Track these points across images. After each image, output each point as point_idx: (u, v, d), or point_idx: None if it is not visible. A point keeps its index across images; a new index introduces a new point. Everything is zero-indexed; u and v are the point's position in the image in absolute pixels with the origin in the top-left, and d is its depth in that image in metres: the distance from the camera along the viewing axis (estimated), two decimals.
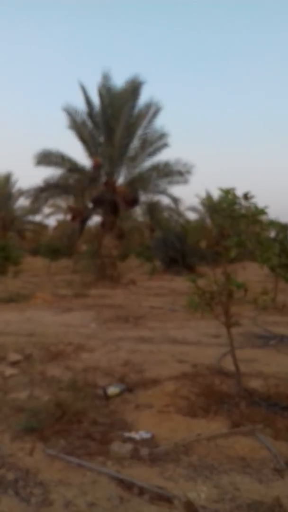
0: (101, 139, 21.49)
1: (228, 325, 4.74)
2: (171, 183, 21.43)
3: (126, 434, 3.83)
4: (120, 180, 21.83)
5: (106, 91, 21.01)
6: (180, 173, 20.96)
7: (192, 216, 35.83)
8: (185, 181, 21.16)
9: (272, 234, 12.10)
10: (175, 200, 22.32)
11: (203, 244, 4.99)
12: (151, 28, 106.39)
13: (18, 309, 11.88)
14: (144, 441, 3.71)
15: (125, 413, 4.34)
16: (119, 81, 29.39)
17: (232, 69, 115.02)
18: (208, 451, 3.54)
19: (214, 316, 4.77)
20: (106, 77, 21.07)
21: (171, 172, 21.06)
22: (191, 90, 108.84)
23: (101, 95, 20.84)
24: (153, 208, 23.38)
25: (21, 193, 34.20)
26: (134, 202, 21.46)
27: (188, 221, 28.38)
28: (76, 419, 4.06)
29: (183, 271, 23.77)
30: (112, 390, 4.88)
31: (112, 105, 20.74)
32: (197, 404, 4.49)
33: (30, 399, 4.64)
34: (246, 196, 4.59)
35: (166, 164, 21.05)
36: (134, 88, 20.71)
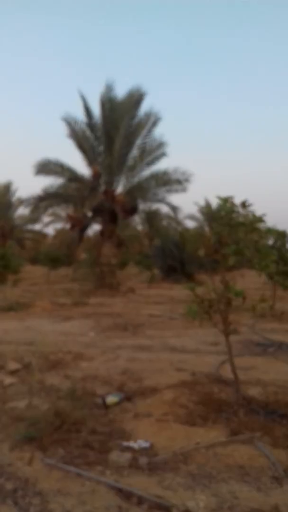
0: (101, 148, 21.60)
1: (227, 333, 4.74)
2: (169, 191, 21.55)
3: (125, 443, 3.82)
4: (119, 189, 21.93)
5: (107, 101, 21.15)
6: (178, 182, 21.06)
7: (190, 224, 35.96)
8: (184, 190, 21.29)
9: (270, 241, 12.16)
10: (174, 208, 22.41)
11: (201, 252, 5.02)
12: (151, 36, 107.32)
13: (17, 317, 11.87)
14: (142, 450, 3.71)
15: (123, 422, 4.34)
16: (118, 89, 29.57)
17: (230, 77, 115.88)
18: (207, 460, 3.54)
19: (212, 324, 4.78)
20: (109, 88, 21.24)
21: (169, 181, 21.16)
22: (189, 97, 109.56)
23: (103, 105, 20.97)
24: (152, 217, 23.43)
25: (20, 202, 34.09)
26: (133, 210, 21.52)
27: (186, 229, 28.46)
28: (75, 428, 4.06)
29: (182, 279, 23.74)
30: (111, 399, 4.88)
31: (113, 115, 20.85)
32: (195, 413, 4.48)
33: (29, 408, 4.63)
34: (244, 204, 4.61)
35: (165, 173, 21.16)
36: (136, 99, 20.87)
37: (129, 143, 21.04)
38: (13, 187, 38.04)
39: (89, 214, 21.94)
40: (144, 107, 22.04)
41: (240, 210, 4.62)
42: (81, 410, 4.45)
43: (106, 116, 20.96)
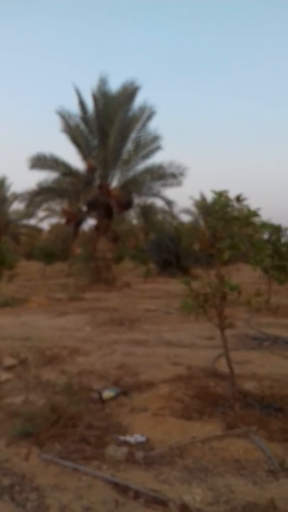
0: (95, 142, 21.52)
1: (222, 327, 4.76)
2: (164, 185, 21.53)
3: (121, 438, 3.83)
4: (114, 183, 21.88)
5: (101, 95, 21.05)
6: (173, 176, 21.04)
7: (185, 218, 35.97)
8: (179, 183, 21.28)
9: (265, 235, 12.18)
10: (169, 202, 22.40)
11: (196, 246, 5.02)
12: (144, 31, 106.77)
13: (13, 313, 11.86)
14: (139, 445, 3.72)
15: (120, 417, 4.35)
16: (112, 84, 29.49)
17: (224, 71, 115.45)
18: (203, 454, 3.56)
19: (208, 318, 4.79)
20: (103, 81, 21.15)
21: (164, 175, 21.13)
22: (183, 91, 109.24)
23: (95, 99, 20.88)
24: (147, 211, 23.42)
25: (15, 197, 34.07)
26: (128, 205, 21.49)
27: (182, 224, 28.45)
28: (71, 423, 4.06)
29: (178, 274, 23.79)
30: (107, 393, 4.89)
31: (107, 109, 20.77)
32: (191, 407, 4.50)
33: (25, 404, 4.63)
34: (238, 199, 4.62)
35: (160, 167, 21.13)
36: (130, 92, 20.78)
37: (123, 137, 20.97)
38: (8, 181, 37.94)
39: (84, 208, 21.88)
40: (138, 101, 22.04)
41: (235, 204, 4.62)
42: (77, 405, 4.45)
43: (99, 110, 20.87)
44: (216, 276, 4.70)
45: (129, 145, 21.52)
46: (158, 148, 21.39)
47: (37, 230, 41.76)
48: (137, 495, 2.93)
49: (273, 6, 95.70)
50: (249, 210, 4.56)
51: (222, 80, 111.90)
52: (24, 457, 3.49)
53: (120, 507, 2.82)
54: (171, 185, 21.40)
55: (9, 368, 6.11)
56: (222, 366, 5.51)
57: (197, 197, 35.45)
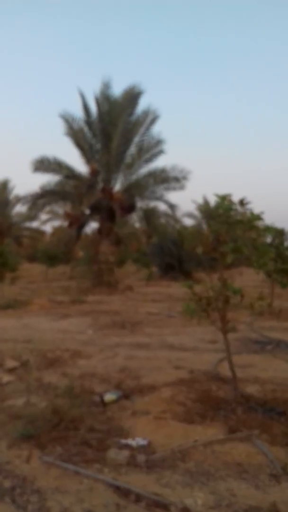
0: (98, 146, 21.56)
1: (225, 331, 4.74)
2: (167, 189, 21.54)
3: (123, 441, 3.82)
4: (117, 186, 21.91)
5: (104, 98, 21.10)
6: (176, 179, 21.04)
7: (188, 222, 36.02)
8: (182, 187, 21.28)
9: (268, 239, 12.16)
10: (172, 206, 22.42)
11: (199, 250, 5.02)
12: (145, 31, 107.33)
13: (15, 315, 11.87)
14: (140, 448, 3.71)
15: (121, 420, 4.34)
16: (116, 87, 29.60)
17: (228, 75, 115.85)
18: (205, 457, 3.54)
19: (210, 322, 4.78)
20: (106, 85, 21.19)
21: (167, 178, 21.14)
22: (187, 95, 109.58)
23: (99, 103, 20.93)
24: (149, 214, 23.44)
25: (18, 199, 34.03)
26: (130, 208, 21.51)
27: (184, 227, 28.48)
28: (72, 426, 4.05)
29: (180, 277, 23.79)
30: (109, 396, 4.88)
31: (110, 113, 20.81)
32: (193, 410, 4.48)
33: (27, 406, 4.62)
34: (242, 202, 4.61)
35: (163, 171, 21.14)
36: (133, 96, 20.82)
37: (127, 140, 21.01)
38: (11, 184, 37.99)
39: (87, 211, 21.91)
40: (142, 105, 22.00)
41: (238, 208, 4.62)
42: (79, 408, 4.44)
43: (102, 113, 20.90)
44: (219, 279, 4.69)
45: (132, 149, 21.56)
46: (161, 152, 21.43)
47: (39, 232, 41.83)
48: (138, 498, 2.91)
49: (273, 6, 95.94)
50: (252, 213, 4.56)
51: (226, 83, 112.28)
52: (25, 459, 3.48)
53: (122, 510, 2.80)
54: (174, 188, 21.42)
55: (11, 370, 6.11)
56: (225, 370, 5.49)
57: (200, 200, 35.53)
